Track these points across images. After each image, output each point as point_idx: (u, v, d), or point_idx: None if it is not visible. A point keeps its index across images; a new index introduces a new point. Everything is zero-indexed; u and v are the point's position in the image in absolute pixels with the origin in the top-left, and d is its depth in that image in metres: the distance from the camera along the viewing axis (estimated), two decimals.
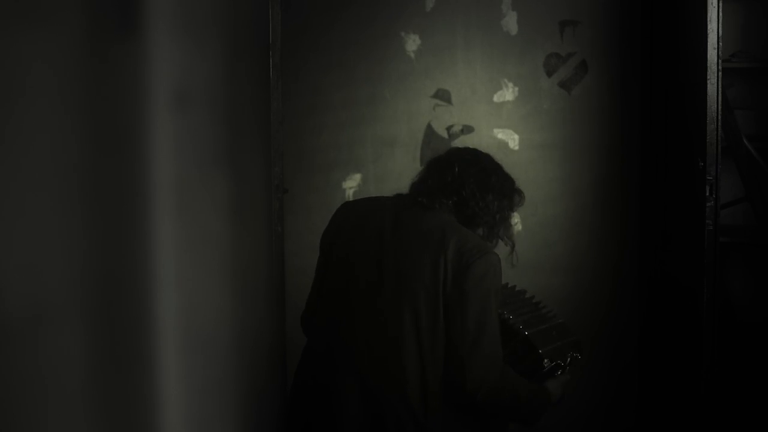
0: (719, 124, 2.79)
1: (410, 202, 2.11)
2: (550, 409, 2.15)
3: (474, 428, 2.06)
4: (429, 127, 3.45)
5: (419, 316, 1.97)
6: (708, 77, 2.76)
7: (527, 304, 2.27)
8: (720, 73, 2.77)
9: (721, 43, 2.77)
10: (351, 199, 3.36)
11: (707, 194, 2.78)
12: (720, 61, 2.77)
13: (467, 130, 3.45)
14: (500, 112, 3.46)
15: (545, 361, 2.09)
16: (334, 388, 2.04)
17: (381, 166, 3.45)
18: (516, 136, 3.46)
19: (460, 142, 3.47)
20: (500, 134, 3.46)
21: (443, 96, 3.45)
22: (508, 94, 3.46)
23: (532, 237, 3.49)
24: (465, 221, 2.10)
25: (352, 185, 3.44)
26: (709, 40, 2.76)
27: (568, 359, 2.17)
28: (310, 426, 2.10)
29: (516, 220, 3.49)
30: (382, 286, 2.01)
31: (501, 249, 2.16)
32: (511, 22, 3.44)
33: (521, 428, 2.24)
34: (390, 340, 1.99)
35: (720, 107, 2.78)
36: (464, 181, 2.12)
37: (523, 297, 2.30)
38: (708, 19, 2.75)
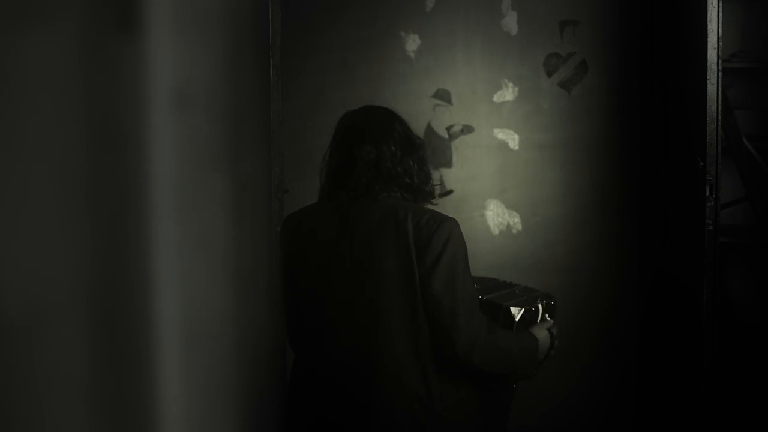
0: (719, 124, 2.79)
1: (350, 201, 2.02)
2: (545, 357, 2.16)
3: (476, 420, 2.06)
4: (429, 127, 3.45)
5: (401, 306, 1.95)
6: (708, 77, 2.76)
7: (494, 282, 2.32)
8: (720, 73, 2.77)
9: (721, 43, 2.77)
10: None
11: (707, 194, 2.78)
12: (720, 61, 2.77)
13: (467, 129, 3.45)
14: (500, 112, 3.46)
15: (512, 310, 2.11)
16: (337, 382, 2.03)
17: None
18: (516, 136, 3.46)
19: (460, 142, 3.47)
20: (500, 134, 3.46)
21: (443, 96, 3.45)
22: (508, 94, 3.46)
23: (533, 237, 3.49)
24: (411, 199, 2.06)
25: None
26: (709, 40, 2.76)
27: (539, 304, 2.19)
28: (311, 424, 2.09)
29: (516, 219, 3.49)
30: (360, 286, 1.98)
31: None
32: (511, 22, 3.44)
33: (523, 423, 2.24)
34: (379, 337, 1.97)
35: (720, 107, 2.78)
36: (406, 168, 2.03)
37: (490, 279, 2.35)
38: (708, 19, 2.75)
